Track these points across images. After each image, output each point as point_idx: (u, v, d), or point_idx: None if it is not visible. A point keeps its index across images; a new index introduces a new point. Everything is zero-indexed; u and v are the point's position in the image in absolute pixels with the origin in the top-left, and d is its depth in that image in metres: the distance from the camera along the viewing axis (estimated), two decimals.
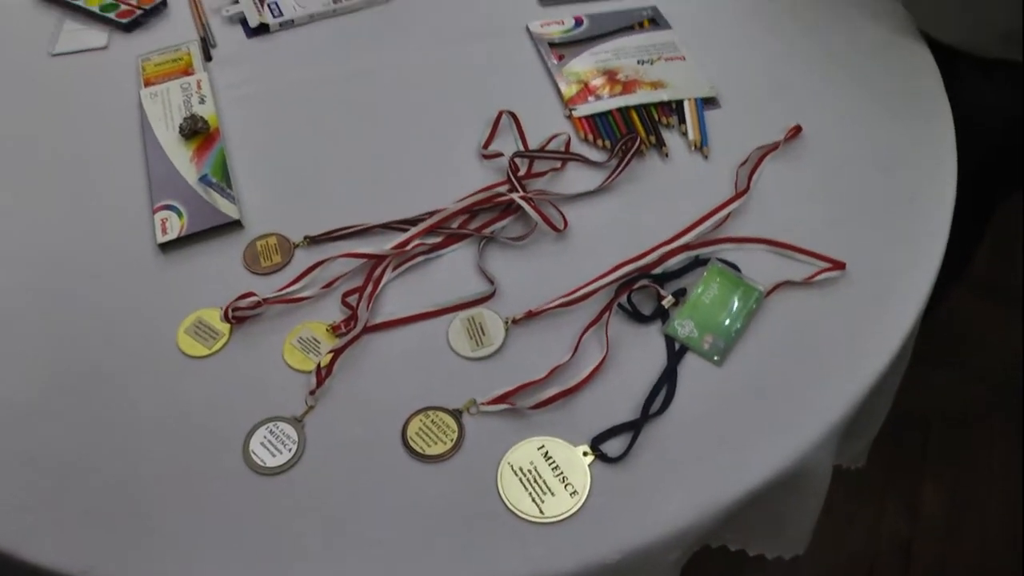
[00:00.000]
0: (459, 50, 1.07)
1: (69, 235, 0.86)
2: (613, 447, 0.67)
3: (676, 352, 0.73)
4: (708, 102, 0.97)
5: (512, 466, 0.66)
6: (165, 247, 0.84)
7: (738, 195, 0.84)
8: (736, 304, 0.76)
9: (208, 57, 1.08)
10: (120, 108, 1.02)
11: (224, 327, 0.77)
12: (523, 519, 0.64)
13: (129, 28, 1.15)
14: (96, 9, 1.17)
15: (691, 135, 0.92)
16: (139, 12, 1.16)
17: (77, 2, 1.19)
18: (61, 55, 1.13)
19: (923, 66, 1.02)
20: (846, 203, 0.85)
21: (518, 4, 1.14)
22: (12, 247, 0.86)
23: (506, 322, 0.75)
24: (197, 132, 0.94)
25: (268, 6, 1.14)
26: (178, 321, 0.78)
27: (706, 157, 0.90)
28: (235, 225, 0.85)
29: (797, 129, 0.92)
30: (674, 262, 0.80)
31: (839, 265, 0.78)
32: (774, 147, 0.90)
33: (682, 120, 0.94)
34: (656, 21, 1.10)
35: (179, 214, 0.85)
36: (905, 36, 1.05)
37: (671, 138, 0.93)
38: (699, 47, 1.05)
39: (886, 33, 1.06)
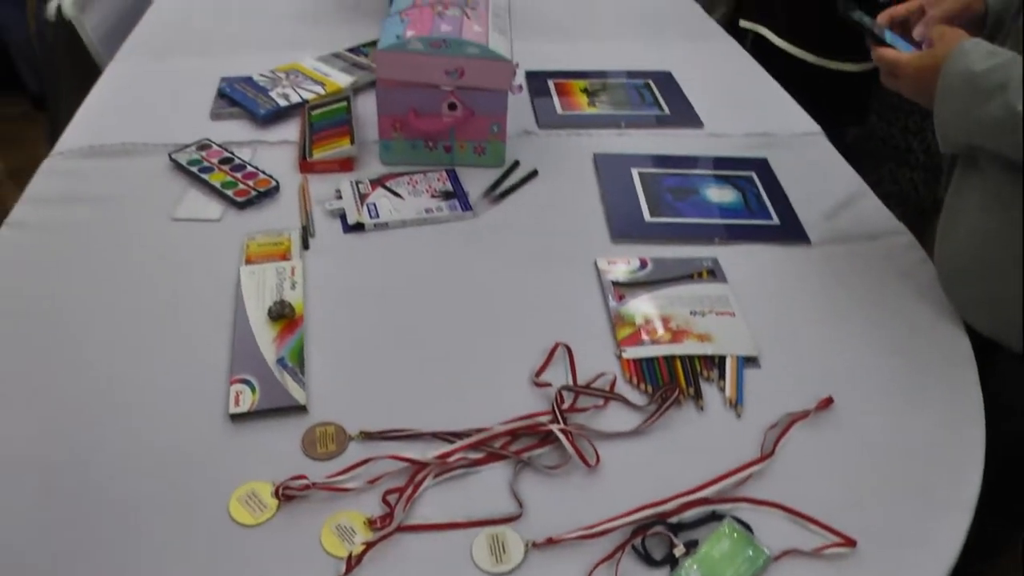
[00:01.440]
0: (531, 273, 1.17)
1: (150, 384, 0.96)
2: None
3: None
4: (749, 360, 1.04)
5: None
6: (234, 417, 0.92)
7: (762, 458, 0.90)
8: (744, 564, 0.80)
9: (306, 246, 1.20)
10: (221, 278, 1.13)
11: (273, 502, 0.84)
12: None
13: (242, 206, 1.28)
14: (218, 184, 1.31)
15: (728, 392, 0.99)
16: (254, 193, 1.30)
17: (203, 175, 1.34)
18: (180, 220, 1.26)
19: (961, 356, 1.07)
20: (866, 482, 0.90)
21: (592, 236, 1.25)
22: (98, 381, 0.96)
23: (527, 544, 0.81)
24: (283, 316, 1.04)
25: (367, 207, 1.26)
26: (233, 487, 0.85)
27: (739, 416, 0.97)
28: (300, 409, 0.93)
29: (828, 401, 0.98)
30: (691, 514, 0.85)
31: (849, 542, 0.83)
32: (804, 415, 0.96)
33: (722, 376, 1.01)
34: (714, 273, 1.19)
35: (252, 389, 0.94)
36: (947, 321, 1.11)
37: (709, 391, 1.00)
38: (749, 303, 1.13)
39: (929, 314, 1.12)
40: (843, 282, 1.18)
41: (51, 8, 1.82)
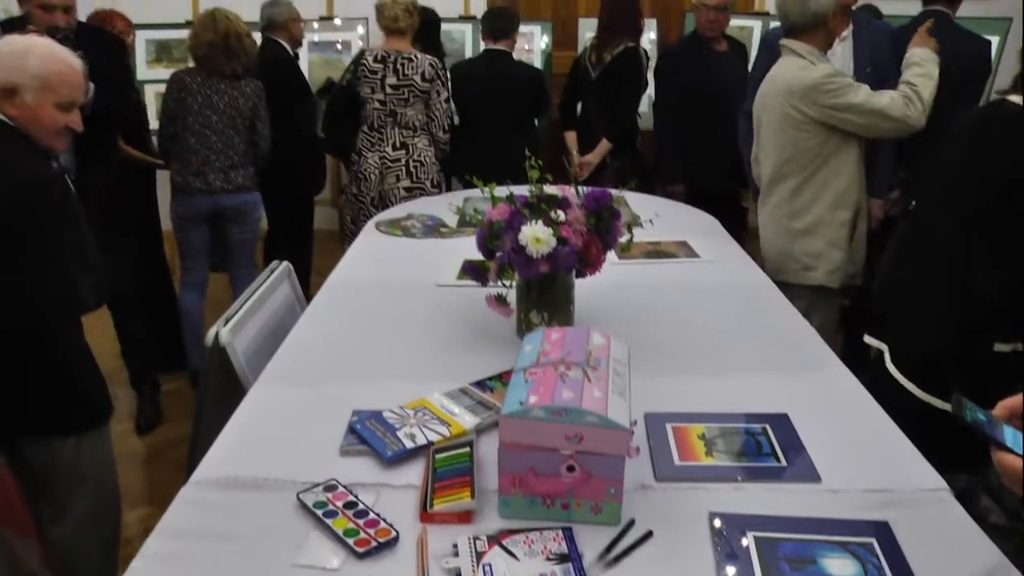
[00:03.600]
0: None
1: None
2: None
3: None
4: None
5: None
6: None
7: None
8: None
9: None
10: None
11: None
12: None
13: (361, 556, 1.32)
14: (340, 531, 1.36)
15: None
16: (374, 544, 1.34)
17: (327, 520, 1.39)
18: (299, 566, 1.31)
19: None
20: None
21: None
22: None
23: None
24: None
25: (483, 567, 1.28)
26: None
27: None
28: None
29: None
30: None
31: None
32: None
33: None
34: None
35: None
36: None
37: None
38: None
39: None
40: None
41: (210, 335, 2.00)
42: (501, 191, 2.00)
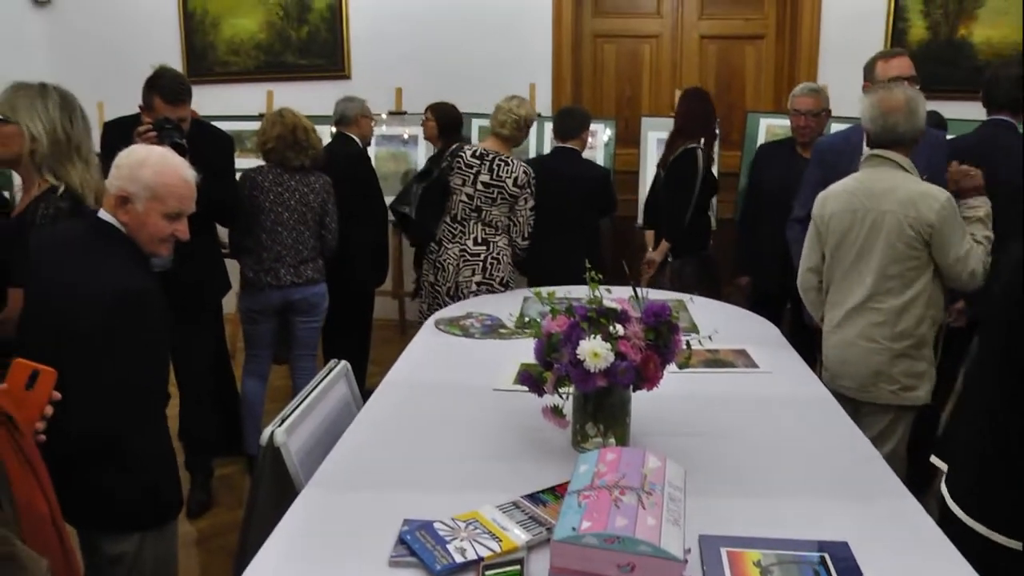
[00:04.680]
0: None
1: None
2: None
3: None
4: None
5: None
6: None
7: None
8: None
9: None
10: None
11: None
12: None
13: None
14: None
15: None
16: None
17: None
18: None
19: None
20: None
21: None
22: None
23: None
24: None
25: None
26: None
27: None
28: None
29: None
30: None
31: None
32: None
33: None
34: None
35: None
36: None
37: None
38: None
39: None
40: None
41: (265, 434, 2.02)
42: (561, 294, 2.01)
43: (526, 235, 3.99)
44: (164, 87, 3.26)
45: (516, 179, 3.90)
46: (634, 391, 1.99)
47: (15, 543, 1.25)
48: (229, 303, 4.00)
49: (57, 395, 1.68)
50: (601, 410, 1.96)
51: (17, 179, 2.63)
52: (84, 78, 5.52)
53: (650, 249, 4.44)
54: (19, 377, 1.64)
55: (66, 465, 1.89)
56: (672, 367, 2.02)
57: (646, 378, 1.89)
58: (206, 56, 6.27)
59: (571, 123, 4.29)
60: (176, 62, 6.04)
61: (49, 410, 1.68)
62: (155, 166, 2.12)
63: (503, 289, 3.94)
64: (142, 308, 2.05)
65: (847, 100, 5.01)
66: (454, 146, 4.08)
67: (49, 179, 2.43)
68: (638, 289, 2.08)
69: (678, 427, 2.20)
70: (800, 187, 3.54)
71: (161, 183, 2.11)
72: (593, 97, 6.12)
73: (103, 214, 2.13)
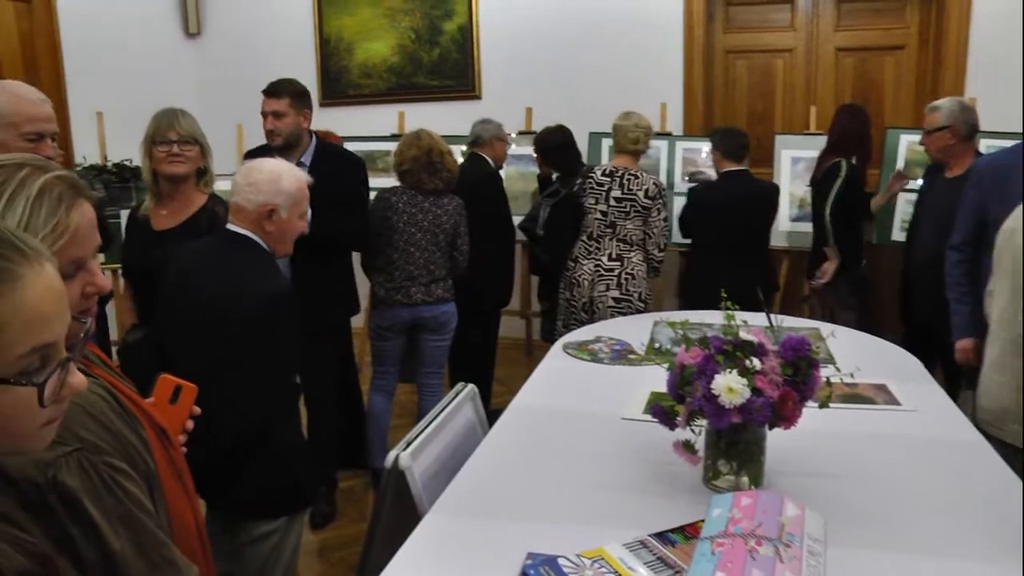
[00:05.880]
0: None
1: None
2: None
3: None
4: None
5: None
6: None
7: None
8: None
9: None
10: None
11: None
12: None
13: None
14: None
15: None
16: None
17: None
18: None
19: None
20: None
21: None
22: None
23: None
24: None
25: None
26: None
27: None
28: None
29: None
30: None
31: None
32: None
33: None
34: None
35: None
36: None
37: None
38: None
39: None
40: None
41: (390, 457, 2.02)
42: (696, 321, 1.96)
43: (662, 246, 4.12)
44: (268, 85, 3.52)
45: (647, 191, 4.04)
46: (770, 429, 1.89)
47: (173, 549, 1.30)
48: (358, 319, 4.07)
49: (197, 410, 1.75)
50: (735, 447, 1.88)
51: None
52: (227, 102, 5.80)
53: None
54: (164, 392, 1.72)
55: (217, 459, 2.08)
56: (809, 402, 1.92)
57: (783, 417, 1.80)
58: (340, 79, 6.45)
59: (735, 143, 4.28)
60: (311, 86, 6.25)
61: (190, 424, 1.74)
62: (287, 176, 2.35)
63: (643, 305, 4.03)
64: (286, 307, 2.25)
65: (1001, 114, 4.75)
66: (584, 167, 4.16)
67: (205, 190, 2.90)
68: (772, 319, 2.00)
69: (814, 467, 2.08)
70: (958, 213, 3.35)
71: (297, 188, 2.35)
72: (724, 115, 5.98)
73: (232, 226, 2.33)
